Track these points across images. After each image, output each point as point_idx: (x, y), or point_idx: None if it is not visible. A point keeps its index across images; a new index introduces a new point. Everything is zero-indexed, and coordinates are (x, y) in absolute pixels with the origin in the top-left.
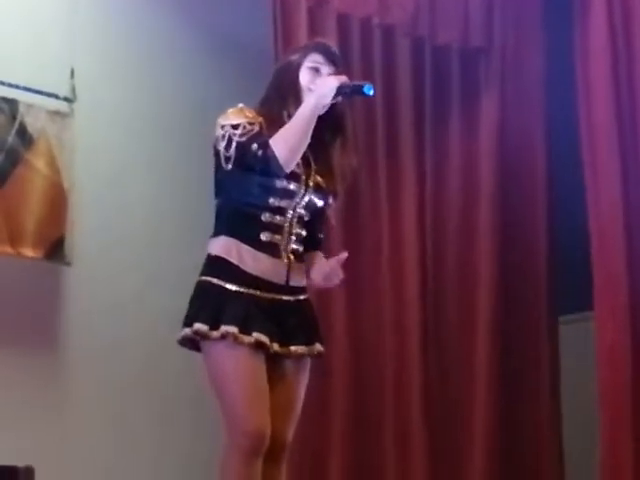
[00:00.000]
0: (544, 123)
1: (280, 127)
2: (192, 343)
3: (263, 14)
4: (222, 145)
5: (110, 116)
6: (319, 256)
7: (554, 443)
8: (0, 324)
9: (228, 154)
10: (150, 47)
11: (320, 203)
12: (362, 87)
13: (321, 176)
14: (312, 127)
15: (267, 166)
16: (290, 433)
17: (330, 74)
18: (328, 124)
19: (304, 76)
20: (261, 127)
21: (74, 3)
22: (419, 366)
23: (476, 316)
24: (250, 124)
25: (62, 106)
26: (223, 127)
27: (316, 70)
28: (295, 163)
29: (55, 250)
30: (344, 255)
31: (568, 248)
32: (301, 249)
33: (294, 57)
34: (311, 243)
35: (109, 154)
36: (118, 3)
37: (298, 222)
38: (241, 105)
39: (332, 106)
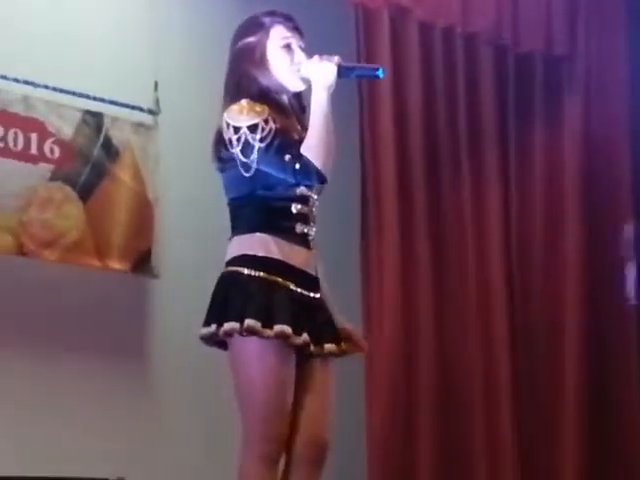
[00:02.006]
0: (629, 131)
1: (282, 111)
2: (213, 339)
3: (346, 24)
4: (238, 149)
5: (194, 128)
6: None
7: None
8: (88, 337)
9: (248, 160)
10: None
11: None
12: (376, 72)
13: None
14: (331, 120)
15: (308, 179)
16: (329, 434)
17: (300, 45)
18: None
19: (280, 58)
20: (274, 120)
21: (158, 16)
22: (508, 373)
23: (564, 329)
24: (265, 122)
25: (146, 118)
26: (237, 130)
27: (288, 46)
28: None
29: (142, 262)
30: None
31: None
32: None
33: (251, 39)
34: None
35: (194, 165)
36: (202, 16)
37: (315, 206)
38: (244, 101)
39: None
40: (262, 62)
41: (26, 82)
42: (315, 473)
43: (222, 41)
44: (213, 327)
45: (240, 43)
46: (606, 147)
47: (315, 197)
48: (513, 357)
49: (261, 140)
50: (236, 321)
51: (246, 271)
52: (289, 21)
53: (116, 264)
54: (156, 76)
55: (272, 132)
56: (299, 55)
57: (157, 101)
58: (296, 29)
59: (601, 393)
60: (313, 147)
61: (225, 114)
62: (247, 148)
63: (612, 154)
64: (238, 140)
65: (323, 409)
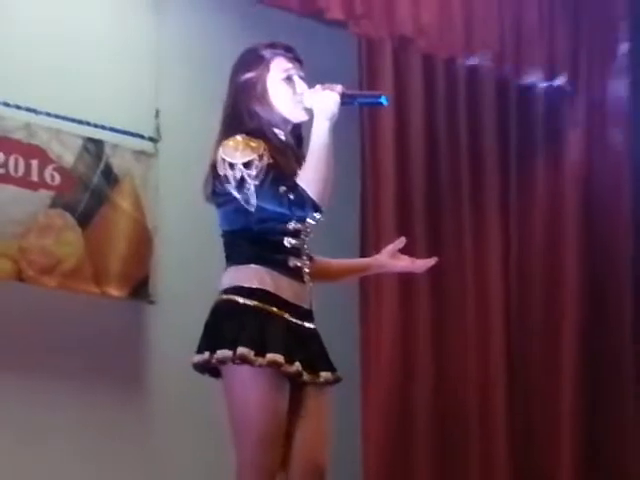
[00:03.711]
0: (630, 164)
1: (278, 146)
2: (206, 367)
3: (349, 54)
4: (233, 186)
5: (195, 156)
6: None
7: None
8: (86, 363)
9: (243, 196)
10: None
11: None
12: (378, 99)
13: None
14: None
15: (302, 209)
16: (326, 460)
17: (300, 75)
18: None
19: (282, 91)
20: (269, 155)
21: (159, 44)
22: (504, 394)
23: (561, 348)
24: (260, 158)
25: (147, 146)
26: (233, 167)
27: (289, 78)
28: (328, 195)
29: (140, 289)
30: (400, 241)
31: None
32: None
33: (251, 74)
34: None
35: (193, 194)
36: (203, 43)
37: (308, 238)
38: (239, 137)
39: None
40: (263, 97)
41: (28, 109)
42: None
43: (223, 69)
44: (206, 355)
45: (241, 78)
46: (607, 180)
47: (308, 230)
48: (509, 379)
49: (255, 177)
50: (229, 349)
51: (241, 300)
52: (289, 52)
53: (114, 291)
54: (157, 104)
55: (266, 167)
56: (300, 85)
57: (158, 129)
58: (296, 59)
59: (597, 412)
60: (308, 177)
61: (220, 149)
62: (242, 185)
63: (613, 187)
64: (234, 177)
65: (319, 436)
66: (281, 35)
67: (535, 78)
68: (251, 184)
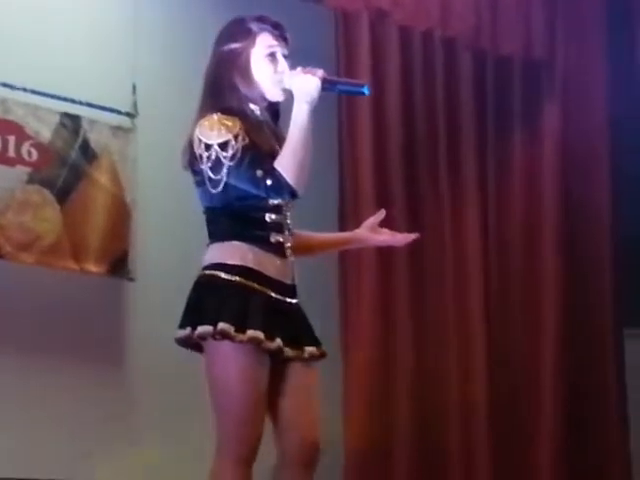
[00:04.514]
0: (607, 133)
1: (255, 124)
2: (188, 342)
3: (325, 27)
4: (207, 166)
5: (172, 130)
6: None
7: (622, 457)
8: (64, 340)
9: (217, 177)
10: None
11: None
12: (361, 88)
13: None
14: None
15: (279, 194)
16: (318, 434)
17: (284, 54)
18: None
19: (263, 67)
20: (245, 133)
21: (136, 18)
22: (485, 384)
23: (542, 332)
24: (235, 138)
25: (124, 121)
26: (209, 147)
27: (272, 55)
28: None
29: (118, 265)
30: (380, 214)
31: (634, 260)
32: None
33: (237, 45)
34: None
35: (171, 168)
36: (180, 19)
37: (290, 216)
38: (215, 115)
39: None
40: (246, 70)
41: (4, 85)
42: (308, 475)
43: (201, 43)
44: (188, 330)
45: (225, 48)
46: (584, 151)
47: (289, 206)
48: (490, 375)
49: (231, 158)
50: (210, 324)
51: (222, 276)
52: (276, 29)
53: (93, 267)
54: (134, 79)
55: (242, 149)
56: (282, 64)
57: (135, 104)
58: (282, 37)
59: (579, 420)
60: (286, 162)
61: (197, 129)
62: (217, 166)
63: (590, 158)
64: (209, 158)
65: (309, 410)
66: (258, 9)
67: (512, 50)
68: (225, 165)
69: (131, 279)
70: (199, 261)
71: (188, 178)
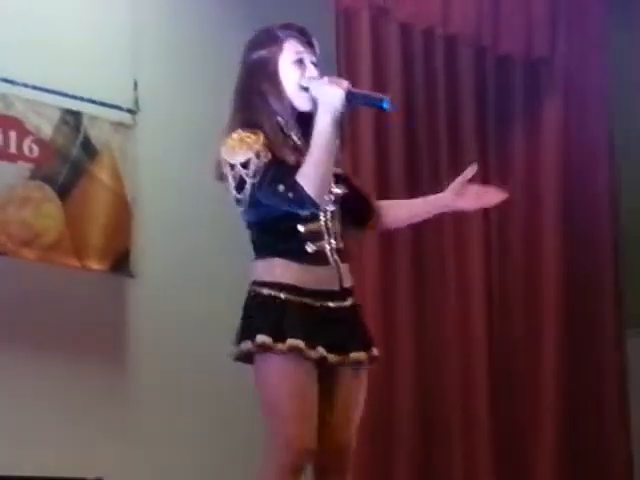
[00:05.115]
0: (607, 133)
1: (279, 137)
2: (247, 357)
3: (326, 24)
4: (232, 186)
5: (173, 127)
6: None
7: (623, 455)
8: (66, 336)
9: (241, 196)
10: (214, 58)
11: (342, 190)
12: (381, 103)
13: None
14: (334, 146)
15: (301, 206)
16: (353, 441)
17: (313, 61)
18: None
19: (290, 73)
20: (267, 149)
21: (137, 15)
22: (485, 382)
23: (542, 330)
24: (257, 155)
25: (125, 118)
26: (232, 167)
27: (300, 61)
28: (327, 192)
29: (120, 262)
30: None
31: (635, 261)
32: (342, 245)
33: (264, 52)
34: (360, 218)
35: (173, 165)
36: (182, 15)
37: (332, 219)
38: (236, 134)
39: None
40: (274, 76)
41: (5, 80)
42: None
43: (202, 40)
44: (236, 348)
45: (253, 56)
46: (585, 149)
47: (329, 210)
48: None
49: (254, 175)
50: (249, 339)
51: (261, 291)
52: (303, 35)
53: (95, 264)
54: (135, 75)
55: (264, 165)
56: (311, 71)
57: (136, 100)
58: (309, 44)
59: (579, 418)
60: (308, 174)
61: (222, 148)
62: (241, 184)
63: (591, 156)
64: (233, 177)
65: (347, 417)
66: (259, 4)
67: (513, 48)
68: (248, 183)
69: (132, 276)
70: (199, 258)
71: (189, 174)
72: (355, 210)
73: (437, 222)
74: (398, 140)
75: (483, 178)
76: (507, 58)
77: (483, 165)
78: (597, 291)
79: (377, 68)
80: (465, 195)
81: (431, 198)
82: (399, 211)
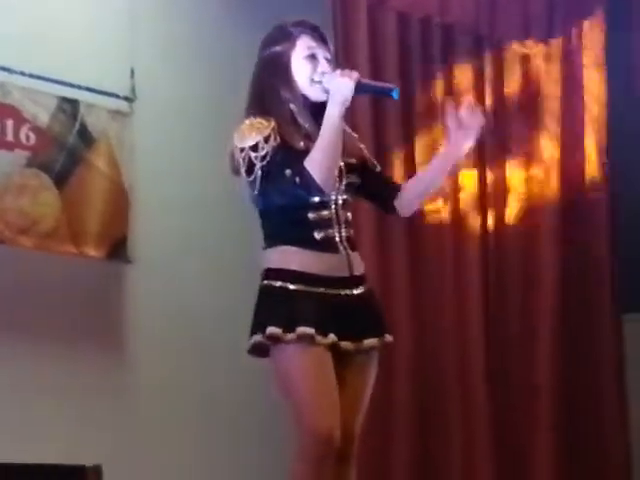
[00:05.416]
0: (606, 121)
1: (290, 124)
2: (261, 350)
3: (323, 12)
4: (244, 169)
5: (171, 115)
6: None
7: (621, 444)
8: (63, 323)
9: (251, 179)
10: (210, 46)
11: (358, 180)
12: (391, 92)
13: (347, 155)
14: (341, 135)
15: (308, 192)
16: (358, 427)
17: (326, 57)
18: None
19: (302, 68)
20: (277, 134)
21: (134, 3)
22: (482, 367)
23: (538, 317)
24: (266, 139)
25: (122, 106)
26: (242, 151)
27: (312, 57)
28: (334, 179)
29: (117, 249)
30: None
31: (631, 247)
32: (352, 233)
33: (278, 47)
34: (385, 199)
35: (170, 153)
36: (178, 2)
37: (343, 208)
38: (248, 120)
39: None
40: (286, 71)
41: (2, 68)
42: (345, 465)
43: (199, 28)
44: (248, 341)
45: (267, 52)
46: (583, 140)
47: (341, 197)
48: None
49: (262, 158)
50: (260, 332)
51: (271, 282)
52: (315, 31)
53: (92, 251)
54: (132, 63)
55: (273, 149)
56: (323, 66)
57: (133, 88)
58: (322, 40)
59: (576, 404)
60: (315, 160)
61: (234, 135)
62: (251, 167)
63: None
64: (243, 160)
65: (357, 404)
66: None
67: (510, 37)
68: (258, 166)
69: (129, 262)
70: (197, 244)
71: (186, 162)
72: (377, 197)
73: (436, 216)
74: (395, 133)
75: (480, 166)
76: (504, 47)
77: (481, 155)
78: (594, 278)
79: (374, 57)
80: (462, 129)
81: (440, 156)
82: (413, 190)
